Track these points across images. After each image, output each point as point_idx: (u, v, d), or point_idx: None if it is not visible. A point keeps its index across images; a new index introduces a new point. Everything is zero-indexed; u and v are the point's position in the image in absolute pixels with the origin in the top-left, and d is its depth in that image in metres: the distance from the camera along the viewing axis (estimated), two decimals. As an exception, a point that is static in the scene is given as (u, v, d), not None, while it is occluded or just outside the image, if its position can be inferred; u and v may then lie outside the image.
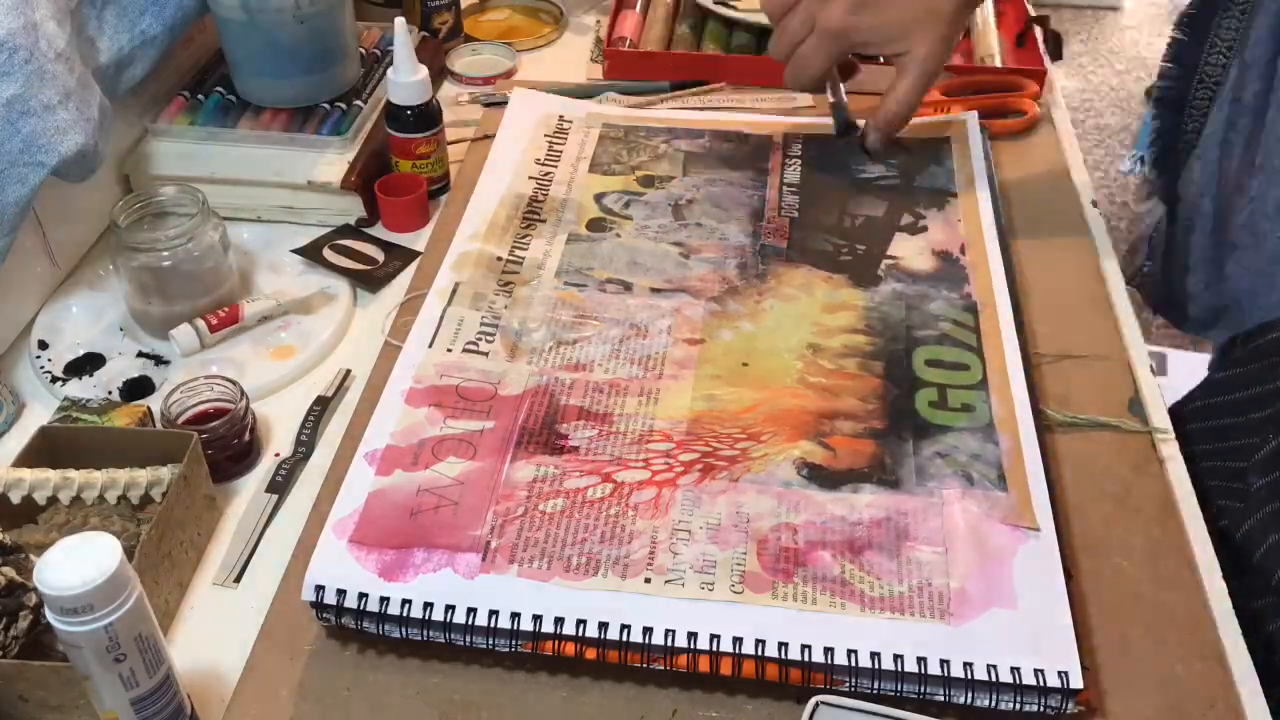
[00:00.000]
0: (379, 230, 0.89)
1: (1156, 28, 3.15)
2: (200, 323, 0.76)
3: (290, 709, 0.56)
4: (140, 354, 0.78)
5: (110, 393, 0.74)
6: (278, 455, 0.71)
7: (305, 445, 0.71)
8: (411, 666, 0.57)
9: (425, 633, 0.56)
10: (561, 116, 0.94)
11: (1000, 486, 0.62)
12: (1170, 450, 0.68)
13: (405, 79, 0.86)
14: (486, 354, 0.71)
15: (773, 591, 0.56)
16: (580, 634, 0.55)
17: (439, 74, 1.06)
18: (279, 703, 0.56)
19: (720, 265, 0.78)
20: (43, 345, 0.78)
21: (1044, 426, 0.68)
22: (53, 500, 0.62)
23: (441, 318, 0.73)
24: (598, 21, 1.16)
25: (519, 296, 0.76)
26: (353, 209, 0.88)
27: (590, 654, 0.55)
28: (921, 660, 0.53)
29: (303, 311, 0.80)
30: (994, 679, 0.53)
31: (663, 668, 0.55)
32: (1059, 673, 0.53)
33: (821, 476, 0.63)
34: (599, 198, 0.85)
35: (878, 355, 0.71)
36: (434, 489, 0.61)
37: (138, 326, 0.79)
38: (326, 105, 0.92)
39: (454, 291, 0.75)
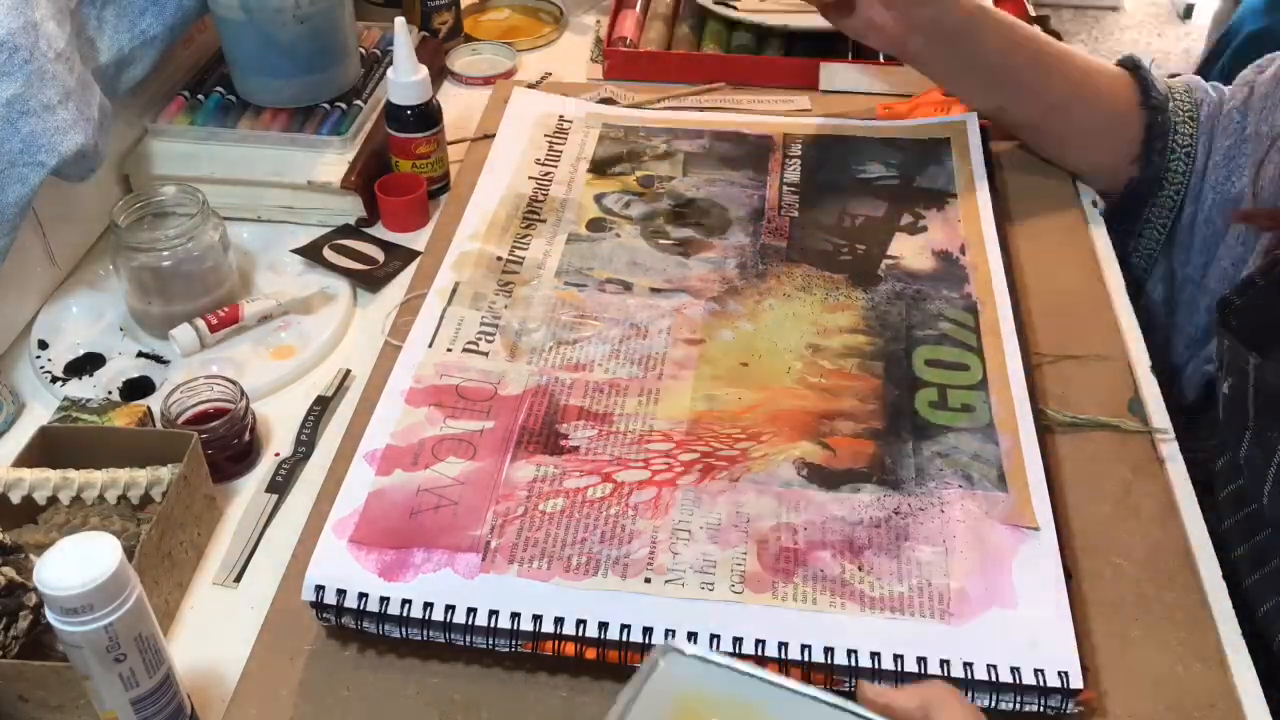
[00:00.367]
0: (379, 230, 0.89)
1: (1156, 28, 3.15)
2: (200, 323, 0.76)
3: (290, 709, 0.56)
4: (140, 354, 0.78)
5: (110, 393, 0.74)
6: (278, 455, 0.71)
7: (305, 445, 0.71)
8: (411, 666, 0.57)
9: (425, 633, 0.56)
10: (561, 116, 0.94)
11: (1000, 486, 0.62)
12: (1170, 450, 0.68)
13: (405, 79, 0.86)
14: (486, 354, 0.71)
15: (773, 591, 0.56)
16: (580, 634, 0.55)
17: (439, 74, 1.06)
18: (279, 703, 0.56)
19: (720, 265, 0.78)
20: (43, 345, 0.78)
21: (1044, 426, 0.68)
22: (53, 500, 0.62)
23: (441, 318, 0.73)
24: (598, 21, 1.16)
25: (519, 296, 0.76)
26: (353, 209, 0.88)
27: (590, 654, 0.55)
28: (921, 660, 0.53)
29: (303, 311, 0.80)
30: (994, 679, 0.53)
31: (663, 668, 0.55)
32: (1059, 673, 0.53)
33: (821, 476, 0.63)
34: (599, 198, 0.85)
35: (878, 355, 0.71)
36: (434, 489, 0.61)
37: (138, 326, 0.79)
38: (326, 105, 0.92)
39: (454, 291, 0.75)
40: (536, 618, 0.55)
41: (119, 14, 0.83)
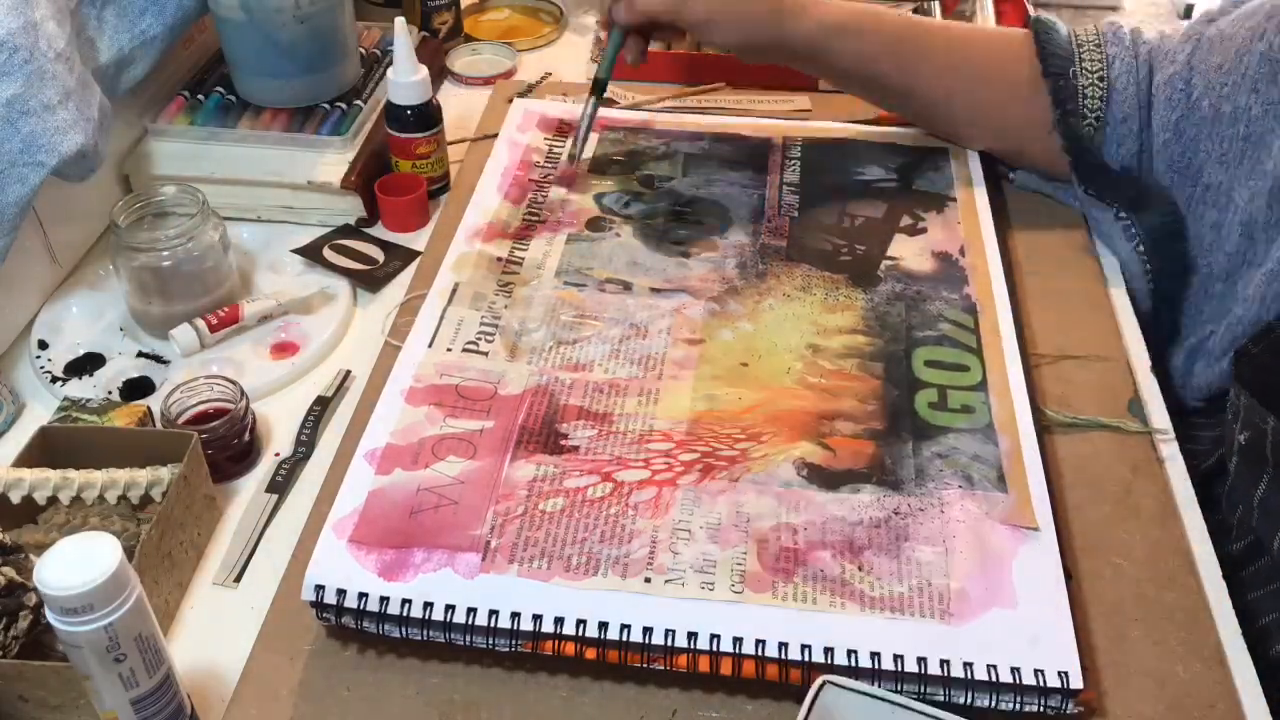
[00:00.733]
0: (379, 230, 0.89)
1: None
2: (200, 323, 0.76)
3: (290, 709, 0.56)
4: (140, 354, 0.78)
5: (110, 393, 0.74)
6: (278, 455, 0.71)
7: (305, 445, 0.71)
8: (411, 666, 0.57)
9: (425, 633, 0.56)
10: (561, 119, 0.94)
11: (1000, 487, 0.62)
12: (1170, 450, 0.68)
13: (405, 79, 0.86)
14: (486, 354, 0.71)
15: (773, 591, 0.56)
16: (580, 634, 0.55)
17: (439, 74, 1.06)
18: (279, 703, 0.56)
19: (720, 265, 0.78)
20: (43, 345, 0.78)
21: (1044, 427, 0.68)
22: (53, 500, 0.62)
23: (441, 317, 0.73)
24: (598, 21, 1.16)
25: (519, 296, 0.76)
26: (353, 209, 0.88)
27: (590, 654, 0.55)
28: (921, 660, 0.53)
29: (303, 311, 0.80)
30: (994, 679, 0.53)
31: (663, 668, 0.55)
32: (1059, 673, 0.53)
33: (821, 477, 0.63)
34: (599, 198, 0.85)
35: (877, 356, 0.71)
36: (434, 488, 0.61)
37: (138, 326, 0.79)
38: (326, 105, 0.92)
39: (454, 291, 0.75)
40: (536, 618, 0.55)
41: (119, 14, 0.83)
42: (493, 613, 0.55)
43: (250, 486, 0.69)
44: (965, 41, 0.85)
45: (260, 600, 0.61)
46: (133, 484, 0.62)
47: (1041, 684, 0.53)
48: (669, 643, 0.54)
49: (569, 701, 0.56)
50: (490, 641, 0.56)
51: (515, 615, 0.55)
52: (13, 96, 0.69)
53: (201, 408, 0.69)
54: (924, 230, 0.81)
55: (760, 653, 0.54)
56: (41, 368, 0.76)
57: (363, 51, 0.98)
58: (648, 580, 0.57)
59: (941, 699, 0.54)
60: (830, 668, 0.54)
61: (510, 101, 0.97)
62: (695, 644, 0.54)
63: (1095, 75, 0.79)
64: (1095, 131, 0.80)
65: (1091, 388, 0.72)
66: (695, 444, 0.65)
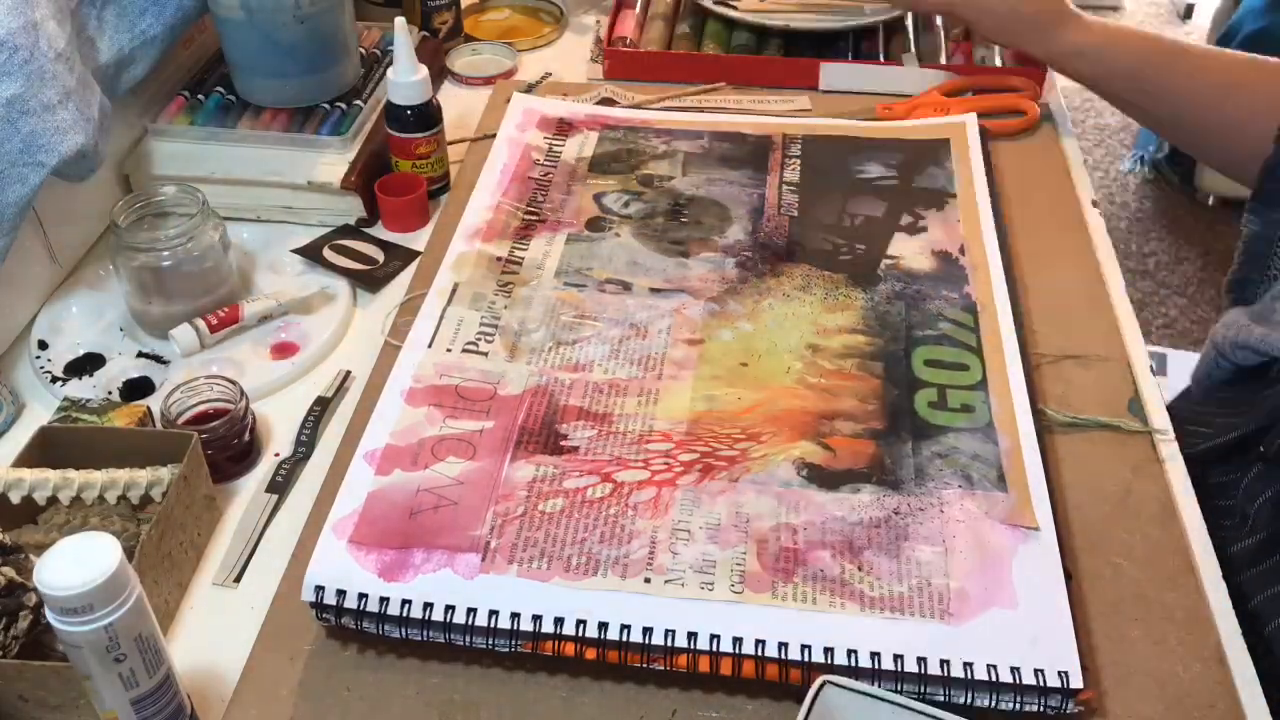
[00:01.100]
0: (379, 230, 0.89)
1: (1156, 28, 3.14)
2: (200, 323, 0.76)
3: (290, 709, 0.56)
4: (140, 354, 0.78)
5: (110, 393, 0.74)
6: (278, 455, 0.71)
7: (305, 445, 0.71)
8: (411, 666, 0.57)
9: (425, 633, 0.56)
10: (561, 118, 0.94)
11: (1000, 487, 0.62)
12: (1170, 450, 0.68)
13: (405, 79, 0.86)
14: (486, 354, 0.71)
15: (773, 591, 0.56)
16: (580, 634, 0.55)
17: (439, 74, 1.06)
18: (279, 703, 0.56)
19: (720, 265, 0.78)
20: (43, 345, 0.78)
21: (1044, 427, 0.68)
22: (53, 500, 0.62)
23: (441, 317, 0.73)
24: (598, 21, 1.16)
25: (518, 296, 0.76)
26: (353, 209, 0.88)
27: (590, 654, 0.55)
28: (921, 660, 0.53)
29: (303, 311, 0.80)
30: (994, 679, 0.53)
31: (662, 668, 0.55)
32: (1059, 673, 0.53)
33: (821, 477, 0.63)
34: (599, 198, 0.85)
35: (877, 355, 0.71)
36: (433, 489, 0.61)
37: (138, 326, 0.79)
38: (326, 105, 0.92)
39: (453, 291, 0.75)
40: (536, 618, 0.55)
41: (119, 14, 0.83)
42: (492, 613, 0.55)
43: (250, 486, 0.69)
44: (1220, 56, 0.87)
45: (260, 600, 0.61)
46: (133, 484, 0.62)
47: (1041, 684, 0.53)
48: (669, 643, 0.54)
49: (569, 701, 0.56)
50: (490, 642, 0.56)
51: (515, 615, 0.55)
52: (13, 96, 0.69)
53: (201, 408, 0.69)
54: (924, 229, 0.81)
55: (760, 653, 0.54)
56: (41, 368, 0.76)
57: (363, 51, 0.98)
58: (647, 580, 0.57)
59: (941, 699, 0.54)
60: (830, 668, 0.54)
61: (509, 100, 0.97)
62: (695, 644, 0.54)
63: None
64: None
65: (1091, 388, 0.72)
66: (695, 444, 0.65)
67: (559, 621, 0.55)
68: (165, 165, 0.89)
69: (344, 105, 0.92)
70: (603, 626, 0.55)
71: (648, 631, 0.55)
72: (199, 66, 0.97)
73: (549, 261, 0.79)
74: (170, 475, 0.63)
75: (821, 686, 0.51)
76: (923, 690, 0.54)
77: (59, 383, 0.75)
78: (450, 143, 0.92)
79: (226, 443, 0.68)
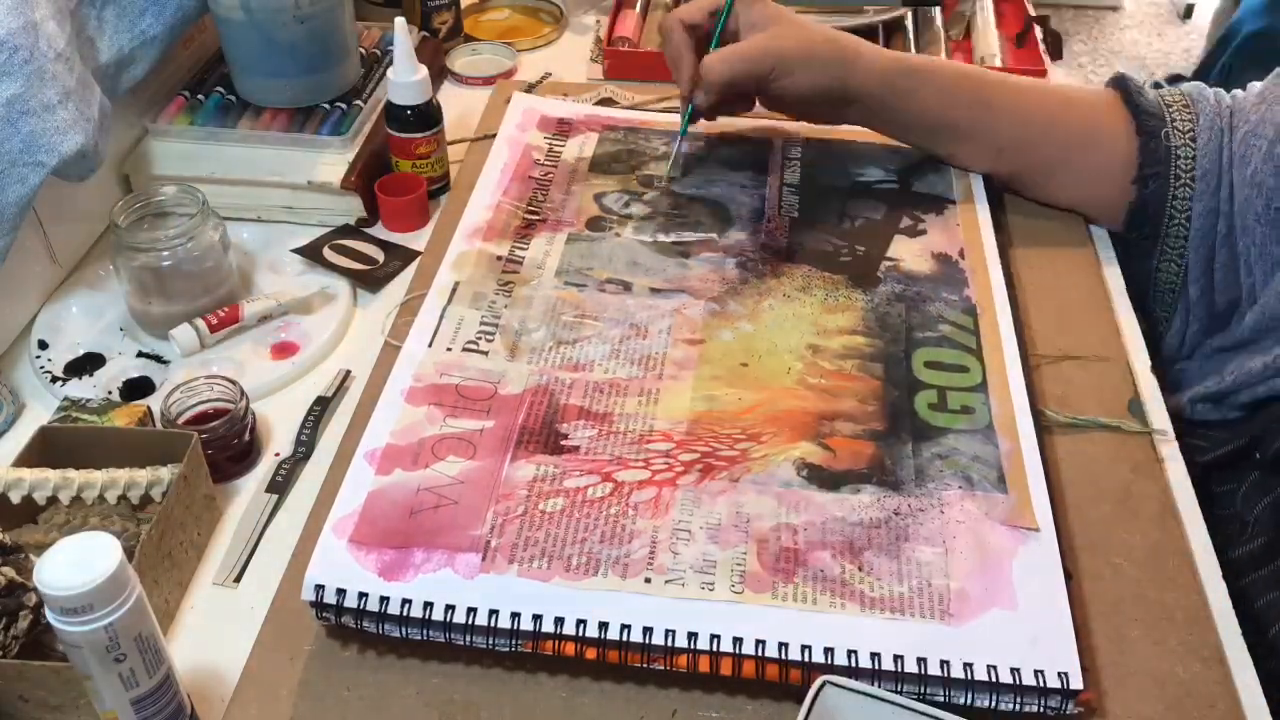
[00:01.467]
0: (379, 230, 0.89)
1: (1156, 27, 3.15)
2: (200, 323, 0.76)
3: (290, 709, 0.56)
4: (140, 354, 0.78)
5: (110, 393, 0.74)
6: (278, 455, 0.71)
7: (305, 445, 0.71)
8: (411, 666, 0.57)
9: (425, 633, 0.56)
10: (561, 118, 0.94)
11: (1000, 488, 0.62)
12: (1170, 450, 0.68)
13: (405, 79, 0.86)
14: (486, 353, 0.71)
15: (773, 592, 0.56)
16: (580, 634, 0.55)
17: (439, 74, 1.06)
18: (279, 703, 0.56)
19: (720, 265, 0.78)
20: (43, 345, 0.78)
21: (1044, 427, 0.68)
22: (53, 500, 0.62)
23: (441, 317, 0.73)
24: (598, 21, 1.16)
25: (519, 296, 0.76)
26: (353, 209, 0.88)
27: (590, 654, 0.55)
28: (921, 660, 0.54)
29: (303, 311, 0.80)
30: (994, 679, 0.53)
31: (663, 668, 0.55)
32: (1059, 673, 0.53)
33: (821, 477, 0.63)
34: (599, 197, 0.85)
35: (877, 357, 0.71)
36: (434, 488, 0.61)
37: (138, 326, 0.79)
38: (326, 105, 0.92)
39: (454, 291, 0.75)
40: (536, 618, 0.55)
41: (119, 14, 0.83)
42: (493, 613, 0.55)
43: (250, 486, 0.69)
44: (1035, 90, 0.84)
45: (260, 600, 0.61)
46: (133, 484, 0.62)
47: (1041, 684, 0.53)
48: (669, 643, 0.54)
49: (569, 702, 0.56)
50: (490, 641, 0.56)
51: (515, 615, 0.55)
52: (13, 96, 0.69)
53: (201, 408, 0.69)
54: (924, 232, 0.81)
55: (760, 653, 0.54)
56: (41, 368, 0.76)
57: (363, 51, 0.98)
58: (648, 580, 0.57)
59: (941, 699, 0.54)
60: (830, 668, 0.54)
61: (509, 100, 0.97)
62: (695, 644, 0.54)
63: (1187, 135, 0.79)
64: (1183, 188, 0.79)
65: (1091, 388, 0.72)
66: (695, 444, 0.65)
67: (559, 621, 0.55)
68: (165, 165, 0.89)
69: (344, 105, 0.92)
70: (603, 626, 0.55)
71: (648, 631, 0.55)
72: (199, 66, 0.97)
73: (549, 261, 0.79)
74: (170, 475, 0.63)
75: (821, 687, 0.51)
76: (923, 691, 0.54)
77: (59, 382, 0.75)
78: (450, 143, 0.92)
79: (226, 443, 0.68)
